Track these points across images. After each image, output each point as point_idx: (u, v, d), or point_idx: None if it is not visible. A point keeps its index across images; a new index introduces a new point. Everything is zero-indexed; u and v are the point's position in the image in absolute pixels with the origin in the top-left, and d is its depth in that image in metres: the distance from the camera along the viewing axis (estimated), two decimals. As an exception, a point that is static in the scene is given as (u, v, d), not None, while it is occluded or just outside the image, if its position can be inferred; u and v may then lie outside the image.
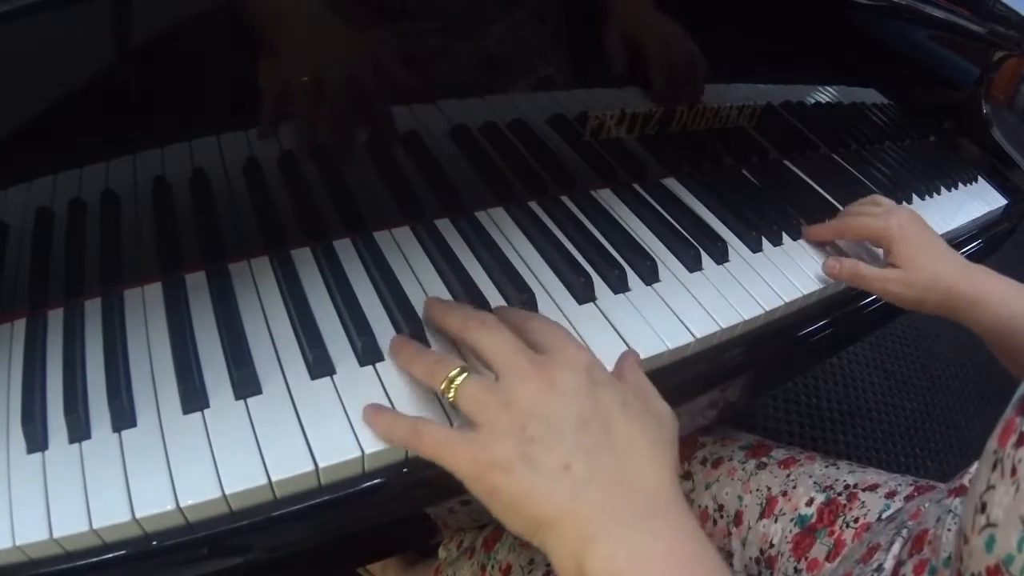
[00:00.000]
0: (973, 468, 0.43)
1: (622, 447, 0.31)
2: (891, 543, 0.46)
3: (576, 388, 0.32)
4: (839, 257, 0.56)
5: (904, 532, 0.46)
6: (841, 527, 0.54)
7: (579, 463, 0.30)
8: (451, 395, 0.33)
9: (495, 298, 0.44)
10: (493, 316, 0.36)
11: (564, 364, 0.33)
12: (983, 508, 0.27)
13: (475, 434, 0.31)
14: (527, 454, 0.30)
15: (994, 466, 0.28)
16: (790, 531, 0.56)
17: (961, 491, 0.42)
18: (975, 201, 0.80)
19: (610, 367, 0.42)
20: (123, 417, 0.35)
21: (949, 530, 0.40)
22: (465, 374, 0.33)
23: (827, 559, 0.53)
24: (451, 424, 0.36)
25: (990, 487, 0.27)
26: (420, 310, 0.42)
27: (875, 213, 0.56)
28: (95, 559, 0.31)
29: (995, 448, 0.28)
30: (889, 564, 0.45)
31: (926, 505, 0.48)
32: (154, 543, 0.32)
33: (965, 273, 0.51)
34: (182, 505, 0.32)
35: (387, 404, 0.37)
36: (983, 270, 0.52)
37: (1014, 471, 0.26)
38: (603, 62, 0.51)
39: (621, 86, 0.53)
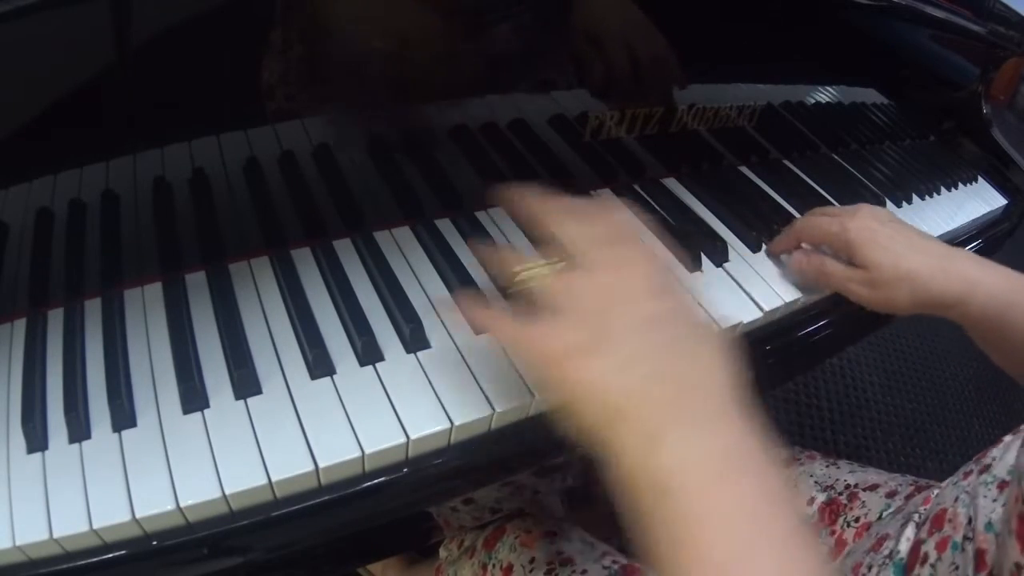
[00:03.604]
0: (993, 451, 0.43)
1: (687, 349, 0.31)
2: (901, 531, 0.46)
3: (649, 287, 0.33)
4: (808, 251, 0.52)
5: (916, 517, 0.46)
6: (842, 527, 0.54)
7: (648, 358, 0.30)
8: (529, 283, 0.34)
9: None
10: (575, 206, 0.36)
11: (641, 262, 0.34)
12: None
13: (551, 322, 0.32)
14: (599, 344, 0.30)
15: None
16: (790, 531, 0.56)
17: (984, 469, 0.42)
18: (975, 201, 0.80)
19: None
20: (123, 417, 0.35)
21: (985, 497, 0.40)
22: (540, 264, 0.35)
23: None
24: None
25: None
26: (420, 310, 0.42)
27: (833, 214, 0.52)
28: (95, 559, 0.31)
29: None
30: (904, 547, 0.45)
31: (935, 492, 0.48)
32: (154, 543, 0.32)
33: (943, 266, 0.46)
34: (182, 505, 0.32)
35: (387, 404, 0.37)
36: (967, 257, 0.47)
37: None
38: (603, 62, 0.51)
39: (621, 86, 0.53)
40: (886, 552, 0.46)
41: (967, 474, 0.44)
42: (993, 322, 0.46)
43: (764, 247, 0.56)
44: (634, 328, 0.31)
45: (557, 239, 0.35)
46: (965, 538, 0.40)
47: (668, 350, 0.31)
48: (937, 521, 0.43)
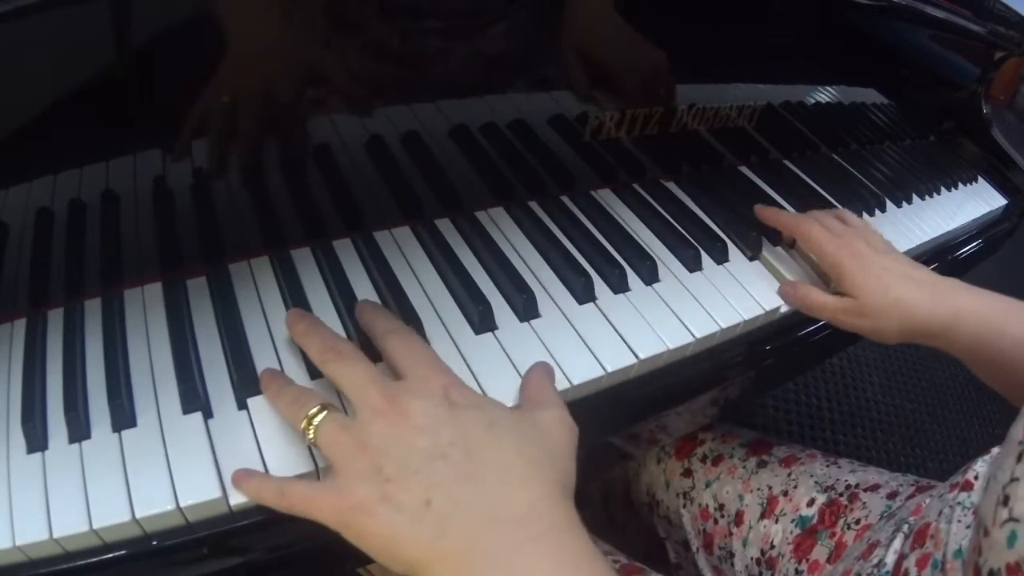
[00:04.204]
0: (977, 464, 0.42)
1: (490, 472, 0.30)
2: (891, 539, 0.46)
3: (431, 417, 0.31)
4: (794, 281, 0.52)
5: (905, 528, 0.46)
6: (843, 528, 0.54)
7: (439, 496, 0.29)
8: (311, 436, 0.32)
9: (495, 298, 0.44)
10: (350, 345, 0.35)
11: (418, 392, 0.32)
12: (1006, 501, 0.27)
13: (335, 481, 0.30)
14: (385, 494, 0.29)
15: (1019, 457, 0.27)
16: (791, 532, 0.56)
17: (967, 486, 0.41)
18: (975, 201, 0.80)
19: (612, 367, 0.42)
20: (123, 417, 0.35)
21: (959, 522, 0.39)
22: (323, 413, 0.32)
23: (828, 561, 0.53)
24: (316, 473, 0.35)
25: (1014, 479, 0.27)
26: (420, 310, 0.42)
27: (832, 229, 0.51)
28: (95, 559, 0.31)
29: (1020, 439, 0.28)
30: (891, 559, 0.44)
31: (927, 500, 0.48)
32: (154, 543, 0.32)
33: (932, 295, 0.47)
34: (182, 505, 0.32)
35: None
36: (955, 285, 0.48)
37: None
38: (602, 63, 0.51)
39: (621, 86, 0.53)
40: (875, 561, 0.45)
41: (953, 486, 0.43)
42: (984, 349, 0.46)
43: (764, 248, 0.56)
44: (417, 467, 0.29)
45: (336, 385, 0.34)
46: (945, 557, 0.39)
47: (463, 481, 0.29)
48: (920, 536, 0.42)
